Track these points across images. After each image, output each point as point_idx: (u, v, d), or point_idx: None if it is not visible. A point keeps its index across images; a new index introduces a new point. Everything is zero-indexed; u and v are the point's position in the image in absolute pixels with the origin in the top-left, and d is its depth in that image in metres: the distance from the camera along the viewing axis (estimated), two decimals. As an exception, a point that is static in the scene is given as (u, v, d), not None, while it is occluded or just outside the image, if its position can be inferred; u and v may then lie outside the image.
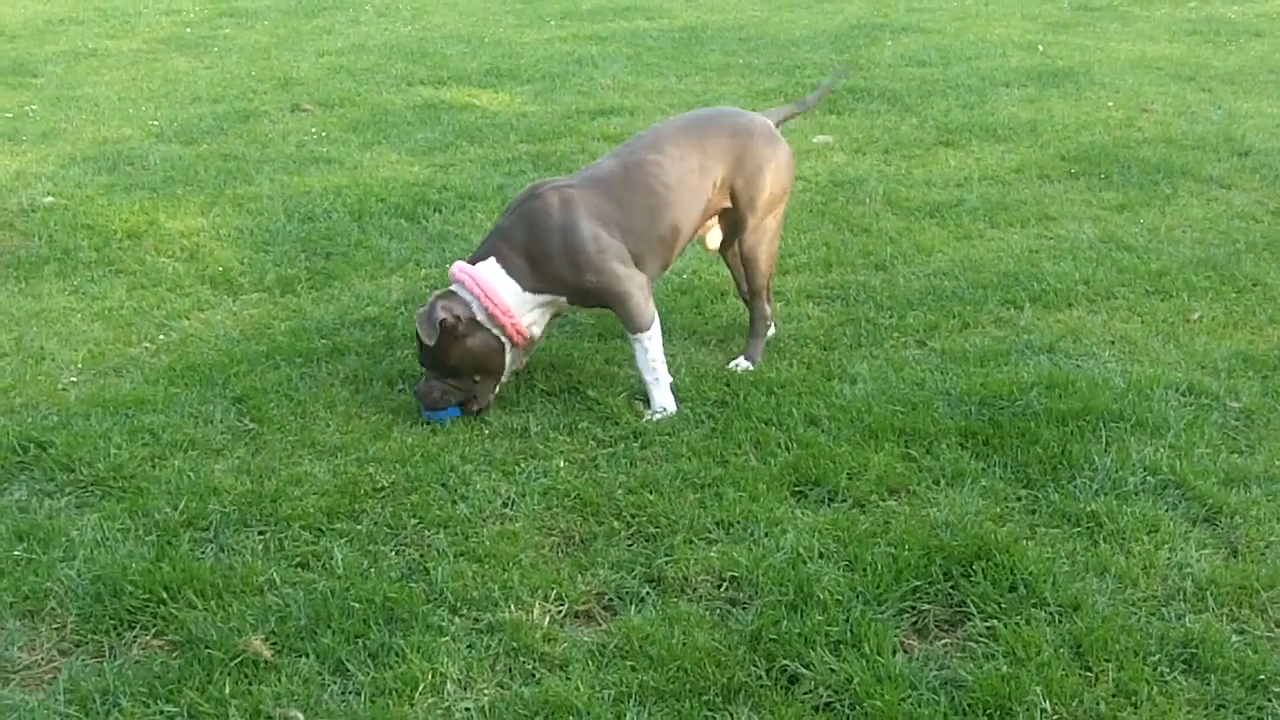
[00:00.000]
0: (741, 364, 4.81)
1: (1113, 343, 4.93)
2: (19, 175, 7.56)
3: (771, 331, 5.06)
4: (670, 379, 4.54)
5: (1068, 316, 5.20)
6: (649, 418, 4.43)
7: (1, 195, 7.10)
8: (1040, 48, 10.86)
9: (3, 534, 3.78)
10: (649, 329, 4.49)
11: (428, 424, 4.41)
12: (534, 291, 4.41)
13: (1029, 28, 11.94)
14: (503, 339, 4.41)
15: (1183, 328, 5.05)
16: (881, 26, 12.06)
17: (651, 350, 4.50)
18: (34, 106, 9.59)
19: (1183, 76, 9.62)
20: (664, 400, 4.48)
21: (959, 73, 9.91)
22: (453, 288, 4.43)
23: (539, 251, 4.39)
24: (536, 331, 4.54)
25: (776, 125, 4.95)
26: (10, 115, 9.27)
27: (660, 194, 4.54)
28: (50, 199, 7.02)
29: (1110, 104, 8.76)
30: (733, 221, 4.84)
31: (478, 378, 4.42)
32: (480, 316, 4.37)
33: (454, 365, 4.37)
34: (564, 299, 4.49)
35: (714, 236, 4.91)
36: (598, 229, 4.42)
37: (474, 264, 4.44)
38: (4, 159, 7.97)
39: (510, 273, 4.40)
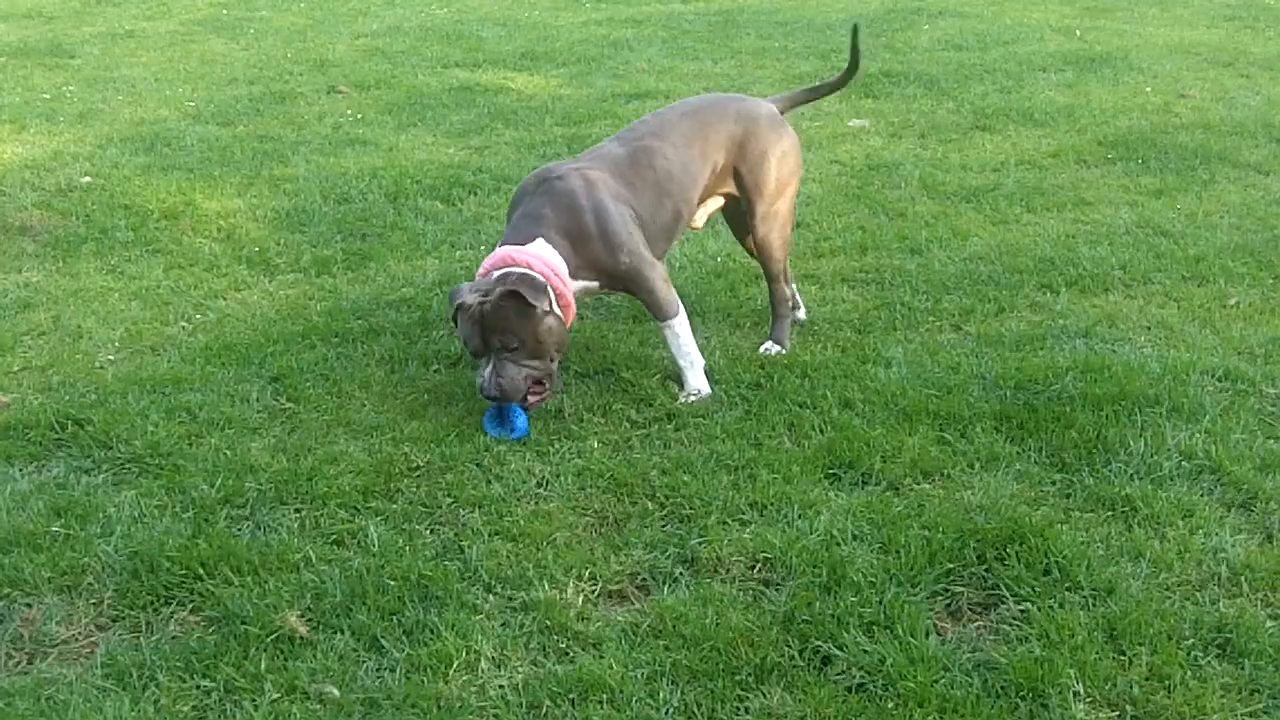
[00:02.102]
0: (771, 348, 4.79)
1: (1149, 328, 4.90)
2: (57, 155, 7.61)
3: (802, 314, 5.06)
4: (704, 361, 4.54)
5: (1104, 301, 5.17)
6: (683, 400, 4.43)
7: (40, 175, 7.16)
8: (1078, 32, 10.78)
9: (41, 510, 3.81)
10: (677, 314, 4.48)
11: (461, 404, 4.42)
12: (572, 275, 4.36)
13: (1066, 12, 11.85)
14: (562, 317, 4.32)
15: (1219, 313, 5.02)
16: (918, 10, 12.00)
17: (682, 335, 4.49)
18: (71, 87, 9.65)
19: (1221, 62, 9.54)
20: (698, 383, 4.48)
21: (996, 57, 9.85)
22: (515, 270, 4.23)
23: (578, 233, 4.35)
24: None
25: (784, 111, 4.94)
26: (48, 96, 9.34)
27: (665, 180, 4.53)
28: (88, 179, 7.08)
29: (1148, 89, 8.69)
30: (742, 209, 4.83)
31: (554, 355, 4.30)
32: (551, 296, 4.27)
33: (541, 342, 4.19)
34: (596, 284, 4.47)
35: (699, 215, 4.84)
36: (623, 210, 4.41)
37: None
38: (42, 139, 8.03)
39: (560, 253, 4.34)
